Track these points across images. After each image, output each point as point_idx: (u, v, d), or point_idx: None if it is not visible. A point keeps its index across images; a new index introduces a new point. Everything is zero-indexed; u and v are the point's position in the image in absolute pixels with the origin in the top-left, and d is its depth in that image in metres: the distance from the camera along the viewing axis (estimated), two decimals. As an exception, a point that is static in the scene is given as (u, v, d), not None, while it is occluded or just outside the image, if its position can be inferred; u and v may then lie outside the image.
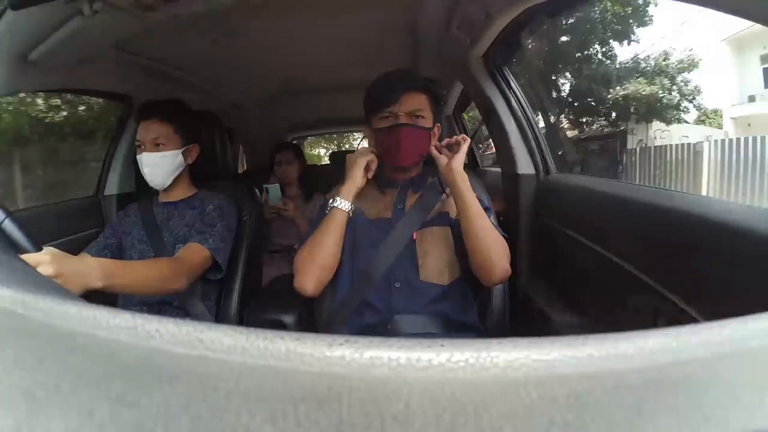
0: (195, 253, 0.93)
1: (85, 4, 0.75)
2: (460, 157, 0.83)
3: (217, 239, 0.97)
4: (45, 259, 0.59)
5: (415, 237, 0.86)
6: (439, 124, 0.92)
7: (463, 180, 0.82)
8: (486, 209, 0.92)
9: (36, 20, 0.78)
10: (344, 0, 1.03)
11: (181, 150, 1.01)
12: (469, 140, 0.84)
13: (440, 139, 0.91)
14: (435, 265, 0.85)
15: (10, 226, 0.60)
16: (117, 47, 1.08)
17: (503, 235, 0.85)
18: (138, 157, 0.99)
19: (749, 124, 6.61)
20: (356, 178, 0.86)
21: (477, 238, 0.80)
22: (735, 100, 7.16)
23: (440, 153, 0.85)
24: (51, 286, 0.33)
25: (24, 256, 0.56)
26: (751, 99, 6.75)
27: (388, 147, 0.87)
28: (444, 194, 0.90)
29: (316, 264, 0.84)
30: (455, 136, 0.85)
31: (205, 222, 0.99)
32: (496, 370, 0.15)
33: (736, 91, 7.14)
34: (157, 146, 0.97)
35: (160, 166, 0.98)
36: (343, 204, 0.85)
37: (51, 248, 0.62)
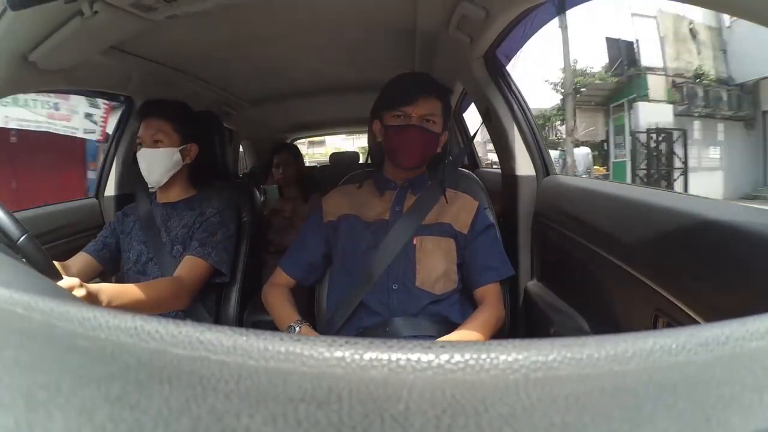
0: (197, 270, 0.94)
1: (85, 5, 0.75)
2: None
3: (220, 251, 0.98)
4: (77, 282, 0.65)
5: (415, 242, 0.87)
6: (446, 132, 0.94)
7: None
8: (486, 210, 0.95)
9: (36, 20, 0.78)
10: (344, 0, 1.03)
11: (179, 148, 1.01)
12: None
13: (445, 147, 0.93)
14: (430, 273, 0.86)
15: (27, 245, 0.61)
16: (117, 47, 1.08)
17: (504, 242, 0.85)
18: (137, 154, 1.00)
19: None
20: None
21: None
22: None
23: None
24: (51, 287, 0.33)
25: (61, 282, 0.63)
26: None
27: (396, 145, 0.89)
28: (443, 197, 0.91)
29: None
30: None
31: (205, 228, 0.99)
32: (495, 371, 0.15)
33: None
34: (156, 143, 0.99)
35: (156, 161, 0.99)
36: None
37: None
